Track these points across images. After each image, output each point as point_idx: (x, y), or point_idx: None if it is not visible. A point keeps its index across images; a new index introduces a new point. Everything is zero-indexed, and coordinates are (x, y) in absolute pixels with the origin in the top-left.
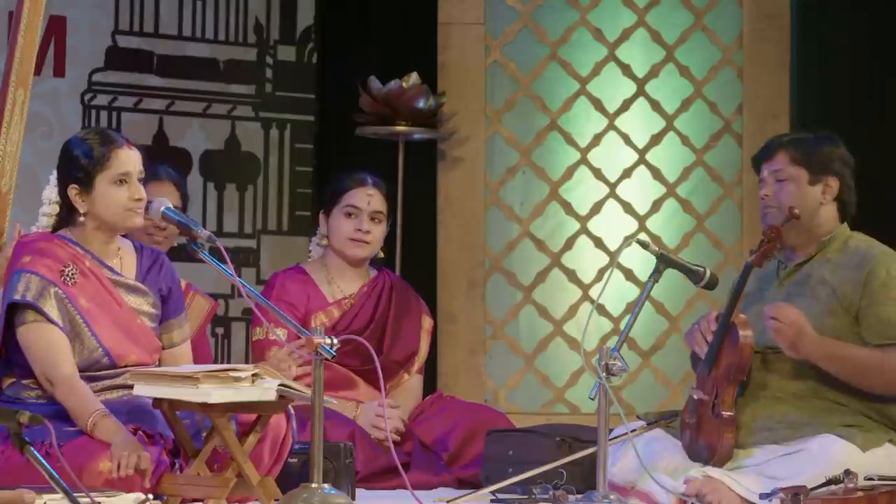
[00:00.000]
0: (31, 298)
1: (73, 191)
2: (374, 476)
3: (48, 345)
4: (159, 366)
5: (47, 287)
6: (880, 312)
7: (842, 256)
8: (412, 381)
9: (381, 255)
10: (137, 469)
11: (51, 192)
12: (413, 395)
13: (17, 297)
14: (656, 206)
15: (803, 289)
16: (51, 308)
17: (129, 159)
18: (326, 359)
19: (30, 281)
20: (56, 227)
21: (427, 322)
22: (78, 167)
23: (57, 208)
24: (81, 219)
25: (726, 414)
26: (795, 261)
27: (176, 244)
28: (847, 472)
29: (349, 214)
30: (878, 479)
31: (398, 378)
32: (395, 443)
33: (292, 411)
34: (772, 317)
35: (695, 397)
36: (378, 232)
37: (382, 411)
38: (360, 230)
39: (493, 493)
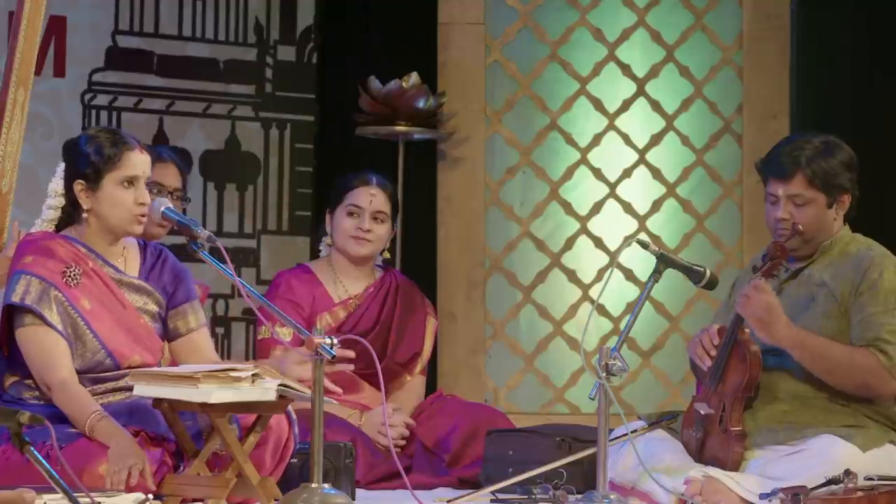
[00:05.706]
0: (31, 302)
1: (78, 186)
2: (374, 483)
3: (45, 349)
4: (176, 353)
5: (48, 290)
6: (864, 314)
7: (842, 259)
8: (414, 382)
9: (387, 255)
10: (129, 483)
11: (56, 184)
12: (415, 396)
13: (17, 299)
14: (656, 206)
15: (802, 292)
16: (50, 312)
17: (140, 163)
18: (326, 359)
19: (30, 283)
20: (60, 225)
21: (432, 323)
22: (87, 163)
23: (62, 201)
24: (84, 215)
25: (735, 429)
26: (795, 264)
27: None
28: (847, 472)
29: (351, 213)
30: (878, 479)
31: (401, 380)
32: (397, 445)
33: (294, 415)
34: (744, 294)
35: (702, 412)
36: (381, 231)
37: (385, 419)
38: (360, 228)
39: (493, 493)
